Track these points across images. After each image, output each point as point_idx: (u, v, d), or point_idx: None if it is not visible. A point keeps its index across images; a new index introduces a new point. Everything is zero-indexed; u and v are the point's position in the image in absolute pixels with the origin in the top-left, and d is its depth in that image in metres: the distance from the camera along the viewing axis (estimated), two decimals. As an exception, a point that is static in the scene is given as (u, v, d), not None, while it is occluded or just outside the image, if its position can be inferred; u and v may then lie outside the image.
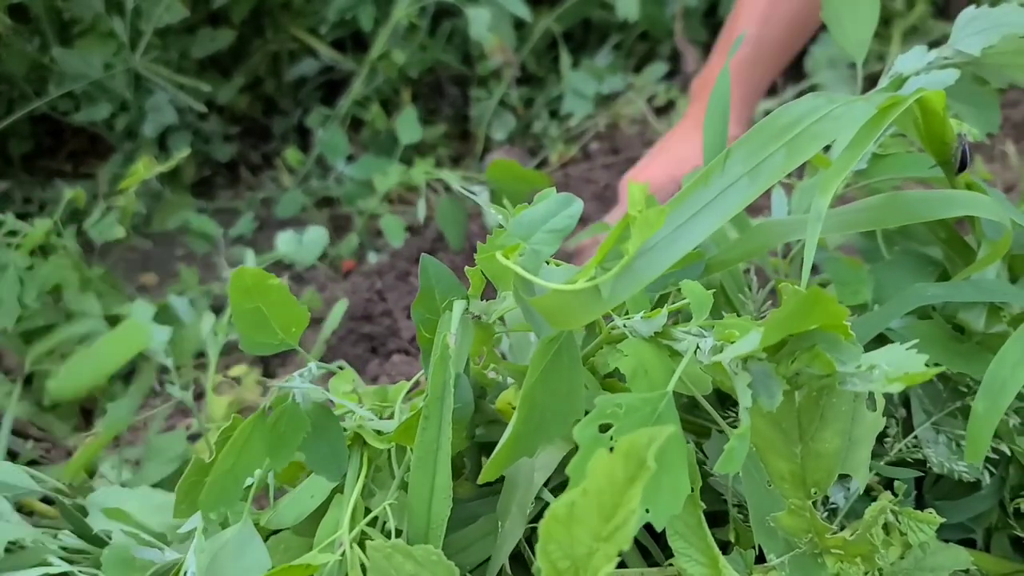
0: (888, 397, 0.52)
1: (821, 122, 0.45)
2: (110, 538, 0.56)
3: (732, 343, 0.43)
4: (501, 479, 0.52)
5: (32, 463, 0.78)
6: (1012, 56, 0.56)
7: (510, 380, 0.58)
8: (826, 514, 0.52)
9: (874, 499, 0.50)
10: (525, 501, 0.53)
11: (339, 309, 1.10)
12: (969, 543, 0.60)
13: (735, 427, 0.51)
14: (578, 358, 0.48)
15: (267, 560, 0.49)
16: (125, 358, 0.67)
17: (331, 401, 0.55)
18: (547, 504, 0.52)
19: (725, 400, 0.56)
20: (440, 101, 1.58)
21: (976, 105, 0.59)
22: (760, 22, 1.02)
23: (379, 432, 0.54)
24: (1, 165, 1.43)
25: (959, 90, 0.56)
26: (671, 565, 0.50)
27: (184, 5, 1.30)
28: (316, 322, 1.11)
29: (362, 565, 0.48)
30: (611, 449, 0.34)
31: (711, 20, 1.59)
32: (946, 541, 0.53)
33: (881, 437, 0.51)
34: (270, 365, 1.07)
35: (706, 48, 1.58)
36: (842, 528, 0.51)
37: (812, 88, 1.43)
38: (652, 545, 0.56)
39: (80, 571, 0.54)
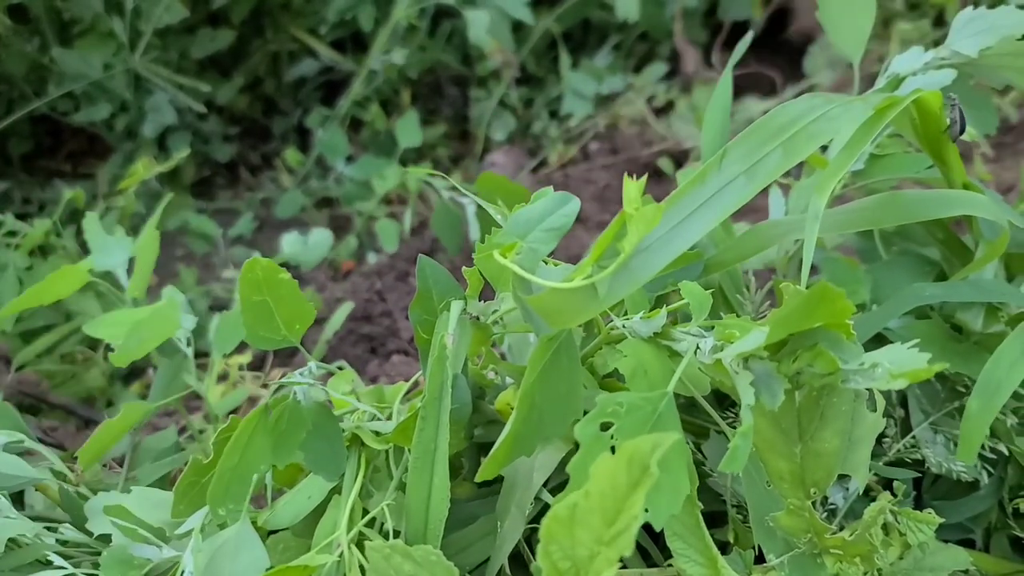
0: (886, 397, 0.51)
1: (818, 122, 0.45)
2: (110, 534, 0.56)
3: (733, 342, 0.43)
4: (499, 479, 0.52)
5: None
6: (1009, 58, 0.56)
7: (509, 380, 0.58)
8: (825, 514, 0.52)
9: (873, 499, 0.50)
10: (524, 501, 0.52)
11: (343, 311, 1.10)
12: (968, 543, 0.60)
13: (734, 427, 0.51)
14: (577, 358, 0.48)
15: (265, 560, 0.49)
16: (163, 338, 0.67)
17: (330, 402, 0.55)
18: (546, 504, 0.51)
19: (723, 400, 0.56)
20: (440, 101, 1.58)
21: (973, 105, 0.59)
22: None
23: (377, 433, 0.54)
24: (1, 165, 1.43)
25: (956, 90, 0.56)
26: (670, 566, 0.50)
27: (184, 5, 1.30)
28: (316, 322, 1.11)
29: (360, 566, 0.48)
30: (612, 450, 0.34)
31: (711, 20, 1.59)
32: (945, 541, 0.53)
33: (880, 437, 0.51)
34: (265, 366, 1.07)
35: (706, 48, 1.58)
36: (841, 528, 0.51)
37: (811, 88, 1.43)
38: (651, 546, 0.56)
39: (82, 572, 0.54)
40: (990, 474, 0.57)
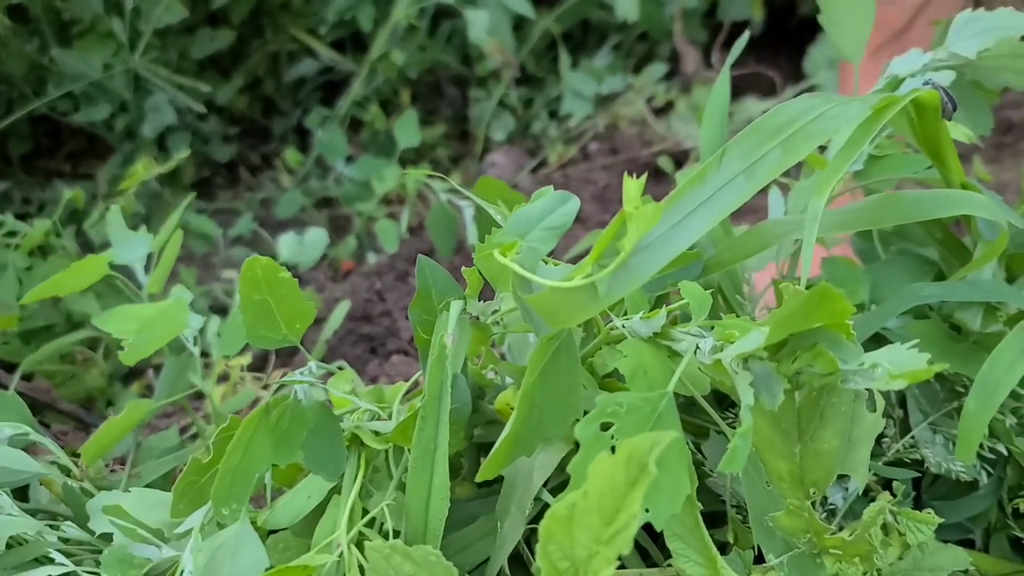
0: (885, 397, 0.51)
1: (816, 121, 0.45)
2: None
3: (732, 343, 0.43)
4: (499, 479, 0.52)
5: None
6: (1007, 59, 0.56)
7: (509, 380, 0.58)
8: (825, 514, 0.52)
9: (872, 500, 0.50)
10: (524, 501, 0.52)
11: (341, 310, 1.10)
12: (968, 543, 0.60)
13: (734, 427, 0.51)
14: (577, 358, 0.48)
15: (265, 559, 0.49)
16: (172, 336, 0.67)
17: (329, 401, 0.55)
18: (546, 505, 0.51)
19: (722, 400, 0.56)
20: (439, 102, 1.58)
21: (970, 107, 0.60)
22: None
23: (377, 433, 0.54)
24: (0, 165, 1.43)
25: (954, 92, 0.56)
26: (670, 566, 0.50)
27: (183, 5, 1.30)
28: (316, 322, 1.11)
29: (360, 566, 0.48)
30: (612, 450, 0.34)
31: (710, 21, 1.59)
32: (945, 542, 0.53)
33: (879, 437, 0.51)
34: (267, 367, 1.08)
35: (705, 49, 1.58)
36: (841, 528, 0.51)
37: (811, 89, 1.43)
38: (651, 546, 0.56)
39: (83, 571, 0.54)
40: (989, 474, 0.57)
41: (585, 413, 0.47)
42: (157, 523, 0.54)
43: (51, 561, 0.54)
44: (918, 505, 0.58)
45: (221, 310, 1.20)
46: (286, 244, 1.29)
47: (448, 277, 0.53)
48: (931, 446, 0.57)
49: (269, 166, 1.55)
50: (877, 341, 0.55)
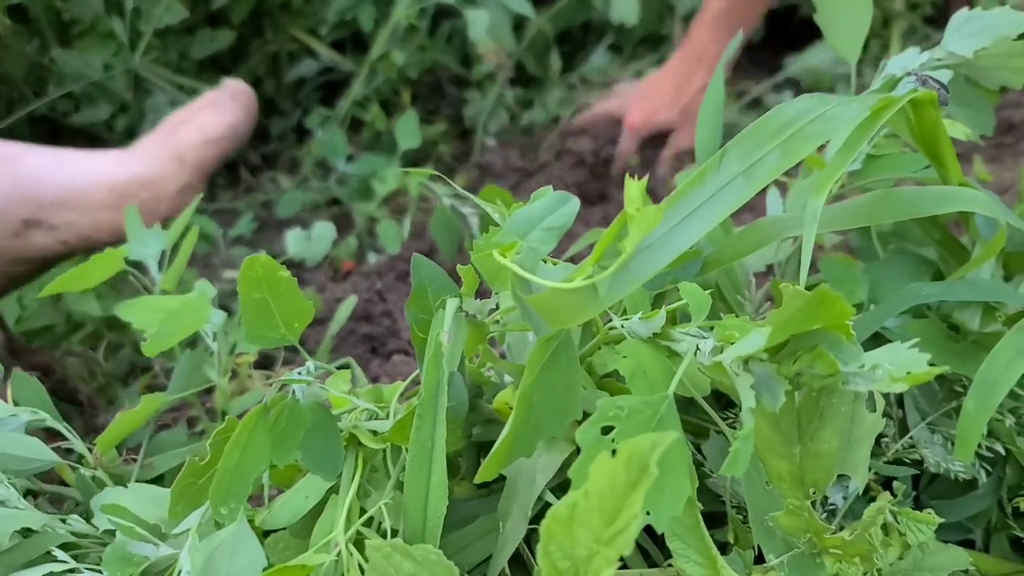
0: (884, 397, 0.52)
1: (816, 122, 0.46)
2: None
3: (732, 344, 0.43)
4: (499, 479, 0.52)
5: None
6: (1004, 58, 0.56)
7: (508, 379, 0.58)
8: (825, 514, 0.52)
9: (872, 500, 0.50)
10: (527, 502, 0.52)
11: (347, 305, 1.10)
12: (968, 543, 0.60)
13: (733, 427, 0.51)
14: (575, 358, 0.48)
15: (263, 559, 0.49)
16: (193, 329, 0.68)
17: (327, 401, 0.55)
18: (547, 505, 0.52)
19: (720, 399, 0.56)
20: (440, 101, 1.58)
21: (969, 106, 0.60)
22: None
23: (374, 432, 0.54)
24: (1, 166, 1.43)
25: (954, 91, 0.56)
26: (670, 566, 0.50)
27: (184, 6, 1.30)
28: (319, 322, 1.11)
29: (359, 565, 0.48)
30: (613, 453, 0.34)
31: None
32: (945, 542, 0.53)
33: (878, 437, 0.51)
34: (274, 365, 1.07)
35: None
36: (841, 528, 0.51)
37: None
38: (651, 546, 0.56)
39: (86, 567, 0.54)
40: (988, 473, 0.57)
41: (584, 413, 0.48)
42: (156, 519, 0.54)
43: (55, 558, 0.54)
44: (917, 505, 0.58)
45: (222, 309, 1.20)
46: (293, 240, 1.28)
47: (444, 275, 0.54)
48: (930, 446, 0.57)
49: (269, 166, 1.55)
50: (876, 340, 0.55)
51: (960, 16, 0.57)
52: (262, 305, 0.52)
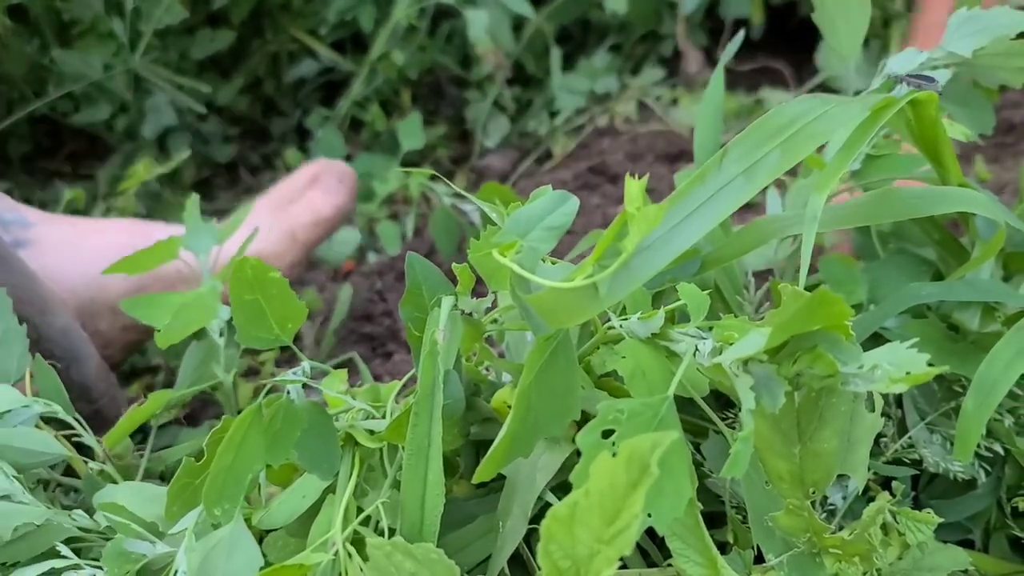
0: (883, 396, 0.52)
1: (816, 122, 0.46)
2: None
3: (732, 344, 0.43)
4: (498, 478, 0.52)
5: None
6: (1003, 58, 0.56)
7: (506, 378, 0.58)
8: (824, 514, 0.52)
9: (872, 499, 0.50)
10: (526, 502, 0.52)
11: (344, 296, 1.11)
12: (967, 543, 0.60)
13: (732, 427, 0.51)
14: (574, 358, 0.48)
15: (259, 559, 0.49)
16: (203, 323, 0.69)
17: (324, 401, 0.55)
18: (547, 505, 0.52)
19: (719, 397, 0.56)
20: (440, 102, 1.59)
21: (968, 106, 0.60)
22: None
23: (371, 432, 0.54)
24: (1, 166, 1.44)
25: (951, 91, 0.57)
26: (670, 565, 0.50)
27: (184, 6, 1.30)
28: (321, 323, 1.11)
29: (357, 565, 0.48)
30: (614, 456, 0.34)
31: (710, 23, 1.59)
32: (944, 541, 0.53)
33: (877, 437, 0.51)
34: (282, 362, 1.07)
35: (707, 51, 1.58)
36: (840, 528, 0.51)
37: (824, 82, 1.43)
38: (651, 545, 0.56)
39: (87, 563, 0.54)
40: (987, 473, 0.57)
41: (583, 414, 0.48)
42: (152, 517, 0.54)
43: (59, 553, 0.54)
44: (916, 504, 0.58)
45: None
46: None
47: (439, 274, 0.54)
48: (929, 445, 0.57)
49: (269, 167, 1.55)
50: (875, 340, 0.55)
51: (959, 16, 0.57)
52: (254, 307, 0.52)
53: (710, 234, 0.55)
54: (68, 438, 0.64)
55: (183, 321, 0.67)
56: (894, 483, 0.54)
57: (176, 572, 0.50)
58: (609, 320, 0.50)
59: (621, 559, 0.35)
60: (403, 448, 0.50)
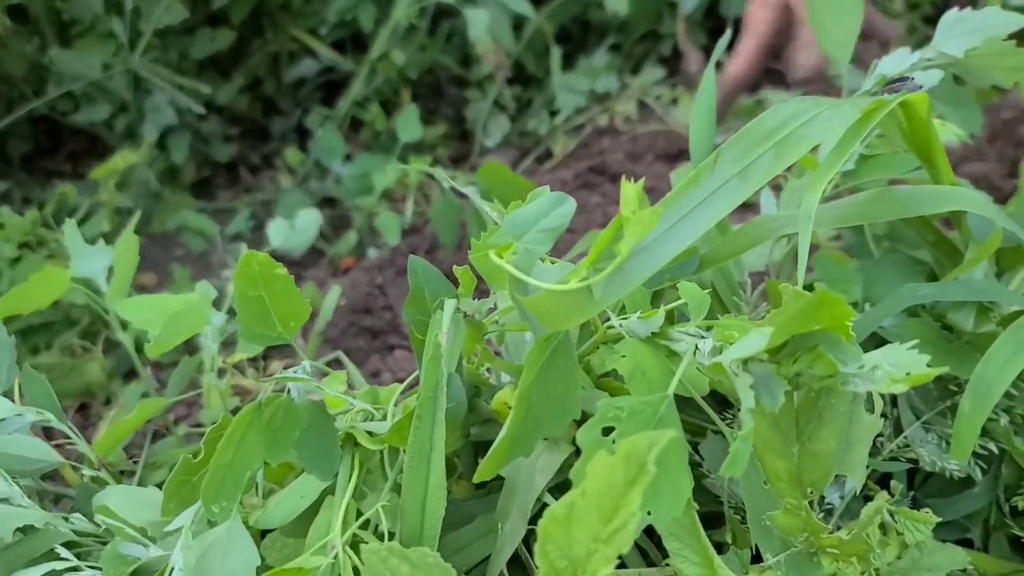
0: (880, 396, 0.52)
1: (808, 124, 0.46)
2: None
3: (732, 344, 0.43)
4: (498, 478, 0.52)
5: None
6: (994, 58, 0.56)
7: (506, 378, 0.58)
8: (822, 514, 0.52)
9: (869, 499, 0.50)
10: (526, 503, 0.52)
11: (332, 296, 1.10)
12: (966, 543, 0.60)
13: (731, 426, 0.51)
14: (574, 358, 0.48)
15: (256, 559, 0.49)
16: (195, 331, 0.68)
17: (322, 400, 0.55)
18: (546, 505, 0.51)
19: (717, 398, 0.56)
20: (439, 101, 1.58)
21: (959, 105, 0.60)
22: None
23: (371, 433, 0.54)
24: (0, 165, 1.44)
25: (942, 91, 0.57)
26: (668, 565, 0.50)
27: (183, 6, 1.30)
28: (314, 316, 1.11)
29: (355, 568, 0.48)
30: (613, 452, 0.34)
31: (710, 23, 1.59)
32: (943, 541, 0.53)
33: (875, 437, 0.51)
34: (271, 360, 1.07)
35: (707, 50, 1.58)
36: (838, 528, 0.51)
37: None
38: (649, 545, 0.56)
39: (86, 565, 0.54)
40: (984, 471, 0.57)
41: (583, 414, 0.48)
42: (143, 521, 0.54)
43: (58, 555, 0.54)
44: (913, 503, 0.58)
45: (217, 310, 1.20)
46: (275, 231, 1.19)
47: (441, 277, 0.53)
48: (925, 444, 0.57)
49: (269, 166, 1.55)
50: (870, 339, 0.55)
51: (951, 16, 0.58)
52: (258, 303, 0.52)
53: (707, 234, 0.55)
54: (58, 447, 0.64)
55: (174, 329, 0.66)
56: (892, 483, 0.54)
57: (172, 570, 0.50)
58: (609, 319, 0.50)
59: (620, 558, 0.34)
60: (404, 451, 0.50)
